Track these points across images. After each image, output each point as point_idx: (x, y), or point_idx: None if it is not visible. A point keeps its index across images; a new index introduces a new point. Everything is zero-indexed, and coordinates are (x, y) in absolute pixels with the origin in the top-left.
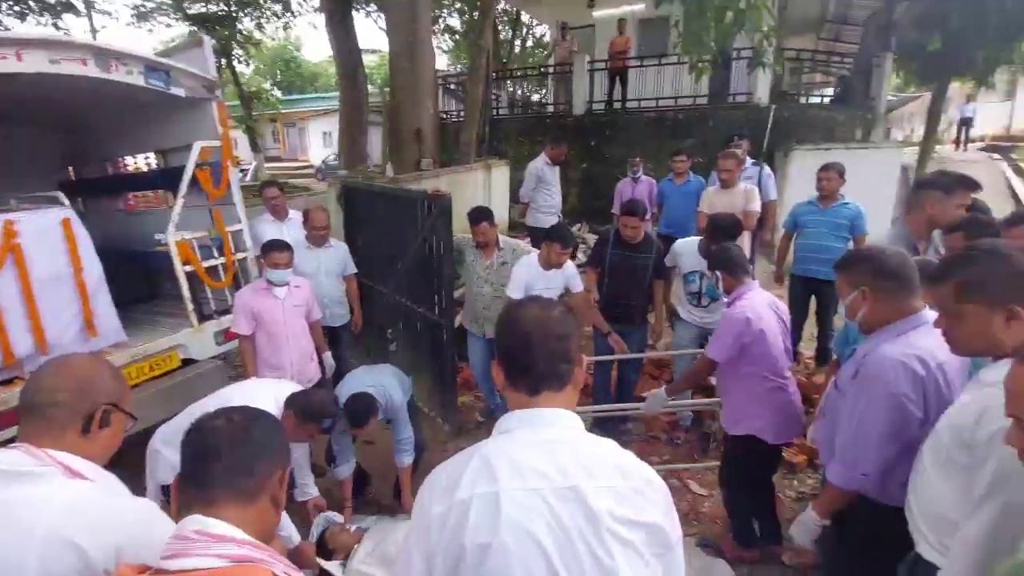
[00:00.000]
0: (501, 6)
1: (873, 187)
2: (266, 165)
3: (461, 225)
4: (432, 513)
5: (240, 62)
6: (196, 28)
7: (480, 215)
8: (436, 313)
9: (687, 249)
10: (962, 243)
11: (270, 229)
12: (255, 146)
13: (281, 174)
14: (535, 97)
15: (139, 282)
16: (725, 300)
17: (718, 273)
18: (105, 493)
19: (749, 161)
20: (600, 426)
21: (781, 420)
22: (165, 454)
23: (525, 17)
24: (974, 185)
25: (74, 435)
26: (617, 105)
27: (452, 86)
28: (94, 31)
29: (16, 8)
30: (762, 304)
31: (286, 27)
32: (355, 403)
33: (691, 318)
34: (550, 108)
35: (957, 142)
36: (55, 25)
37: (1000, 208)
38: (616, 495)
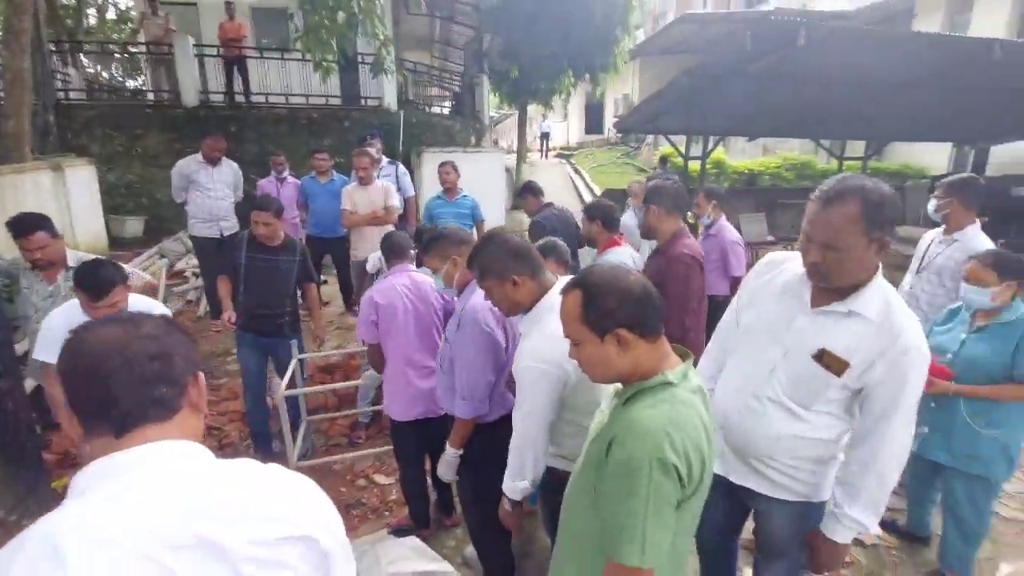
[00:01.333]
0: None
1: (485, 183)
2: None
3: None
4: None
5: None
6: None
7: (31, 223)
8: None
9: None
10: None
11: None
12: None
13: None
14: (131, 84)
15: None
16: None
17: None
18: None
19: (386, 160)
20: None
21: (404, 399)
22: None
23: None
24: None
25: None
26: (240, 98)
27: None
28: None
29: None
30: (394, 287)
31: None
32: None
33: None
34: (151, 95)
35: (541, 151)
36: None
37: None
38: (249, 521)
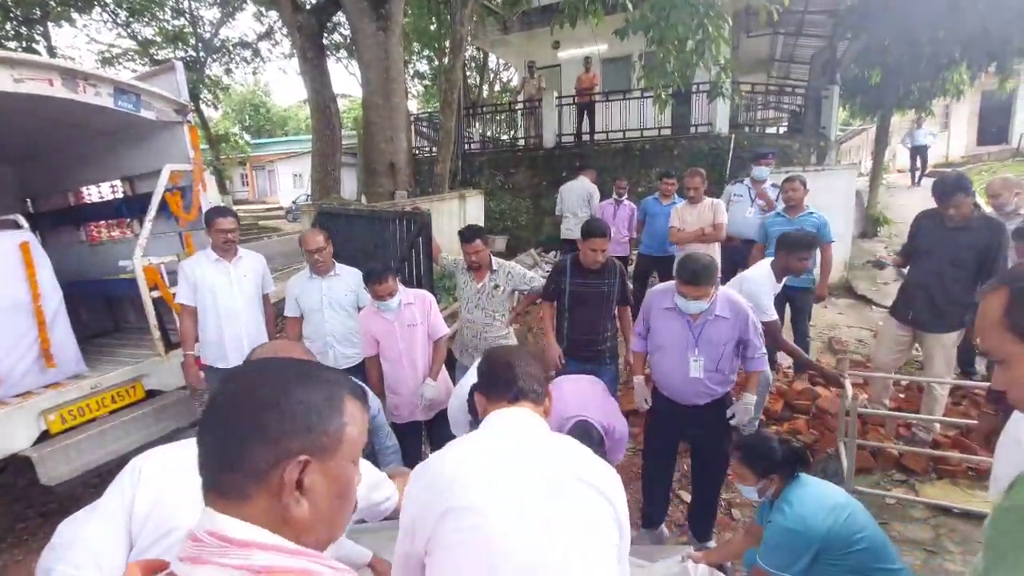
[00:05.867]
0: (469, 53)
1: (832, 204)
2: (234, 207)
3: (446, 249)
4: None
5: (208, 105)
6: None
7: (473, 232)
8: None
9: (761, 276)
10: None
11: (210, 271)
12: (223, 188)
13: (250, 216)
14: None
15: (101, 315)
16: None
17: None
18: None
19: (770, 182)
20: None
21: None
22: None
23: (492, 63)
24: None
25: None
26: (586, 137)
27: (424, 127)
28: None
29: None
30: None
31: (255, 72)
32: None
33: None
34: (521, 142)
35: (912, 171)
36: None
37: None
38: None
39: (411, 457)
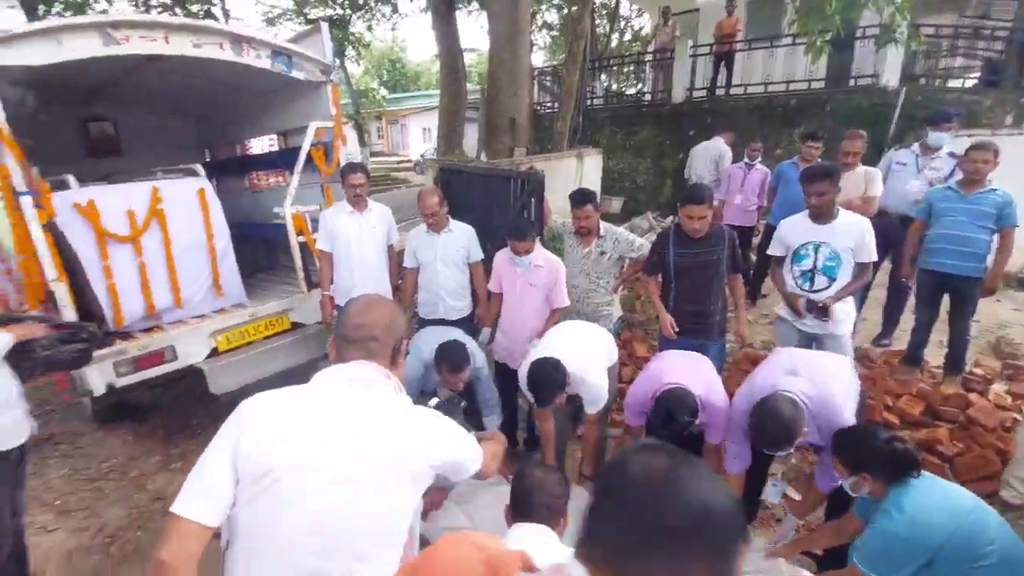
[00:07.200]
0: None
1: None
2: (371, 159)
3: (558, 210)
4: None
5: (351, 61)
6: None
7: (584, 197)
8: None
9: (795, 221)
10: None
11: (345, 221)
12: (362, 141)
13: (383, 167)
14: (631, 91)
15: (259, 254)
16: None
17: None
18: (427, 412)
19: (947, 149)
20: None
21: None
22: None
23: (624, 10)
24: None
25: (386, 363)
26: (720, 91)
27: (548, 81)
28: None
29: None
30: None
31: (393, 28)
32: (452, 348)
33: (795, 317)
34: (647, 97)
35: None
36: None
37: None
38: None
39: (505, 400)
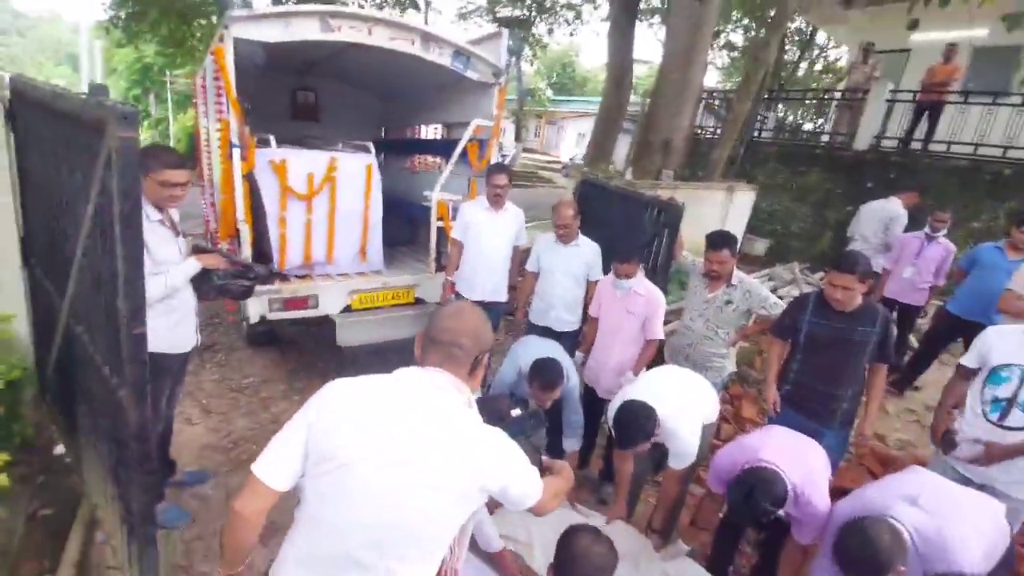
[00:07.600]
0: (795, 25)
1: None
2: (523, 154)
3: (692, 245)
4: None
5: (526, 61)
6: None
7: (723, 240)
8: None
9: (1010, 332)
10: None
11: (481, 217)
12: (518, 136)
13: (532, 164)
14: (808, 126)
15: (402, 229)
16: None
17: None
18: (495, 434)
19: None
20: None
21: None
22: None
23: (821, 38)
24: None
25: (464, 372)
26: (917, 145)
27: (716, 104)
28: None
29: (376, 1)
30: None
31: (572, 34)
32: (548, 366)
33: (963, 453)
34: (824, 137)
35: None
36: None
37: None
38: None
39: (588, 424)
